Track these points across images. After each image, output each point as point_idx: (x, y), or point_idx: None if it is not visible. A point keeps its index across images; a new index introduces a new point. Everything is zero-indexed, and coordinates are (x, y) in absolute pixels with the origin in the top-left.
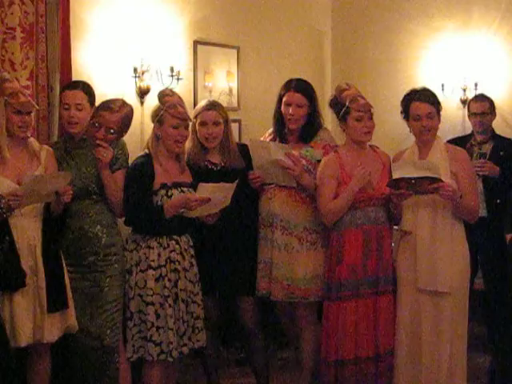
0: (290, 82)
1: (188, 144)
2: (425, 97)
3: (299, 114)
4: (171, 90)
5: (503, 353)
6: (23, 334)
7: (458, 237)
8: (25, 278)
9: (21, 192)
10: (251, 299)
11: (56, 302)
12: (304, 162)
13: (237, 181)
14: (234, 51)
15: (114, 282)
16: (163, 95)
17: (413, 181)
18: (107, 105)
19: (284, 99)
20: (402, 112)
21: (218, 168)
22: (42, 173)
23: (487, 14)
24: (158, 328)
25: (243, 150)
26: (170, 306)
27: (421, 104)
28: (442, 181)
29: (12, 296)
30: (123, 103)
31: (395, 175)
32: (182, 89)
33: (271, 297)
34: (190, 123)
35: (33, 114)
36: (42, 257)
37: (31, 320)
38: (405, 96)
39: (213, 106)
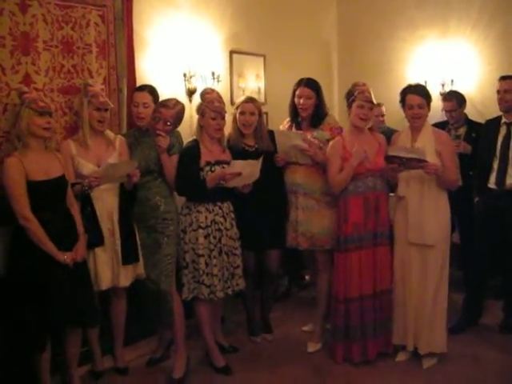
0: (301, 80)
1: (230, 131)
2: (418, 90)
3: (308, 104)
4: (211, 88)
5: (472, 289)
6: (104, 280)
7: (441, 201)
8: (102, 240)
9: (98, 175)
10: (277, 252)
11: (129, 256)
12: (316, 141)
13: (261, 158)
14: (261, 59)
15: (169, 240)
16: (204, 93)
17: (404, 159)
18: (165, 103)
19: (296, 93)
20: (400, 101)
21: (253, 150)
22: (115, 161)
23: (461, 26)
24: (207, 274)
25: (271, 135)
26: (214, 257)
27: (414, 96)
28: (426, 161)
29: (95, 251)
30: (177, 102)
31: (390, 152)
32: (221, 89)
33: (298, 247)
34: (226, 114)
35: (109, 111)
36: (118, 221)
37: (110, 270)
38: (403, 89)
39: (250, 100)
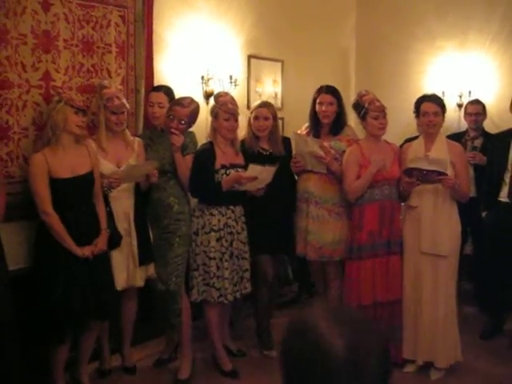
0: (321, 87)
1: (244, 134)
2: (433, 99)
3: (330, 111)
4: (225, 92)
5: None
6: (119, 281)
7: (453, 213)
8: (120, 240)
9: (120, 175)
10: (280, 257)
11: (145, 256)
12: (333, 151)
13: (277, 164)
14: (279, 64)
15: (181, 241)
16: (218, 96)
17: (424, 172)
18: (179, 101)
19: (318, 100)
20: (414, 111)
21: (267, 153)
22: (136, 161)
23: (480, 37)
24: (218, 277)
25: (285, 141)
26: (226, 260)
27: (429, 103)
28: (447, 174)
29: (111, 252)
30: (192, 100)
31: (411, 164)
32: (238, 93)
33: (307, 257)
34: (242, 118)
35: (125, 113)
36: (134, 222)
37: (125, 270)
38: (418, 98)
39: (264, 104)
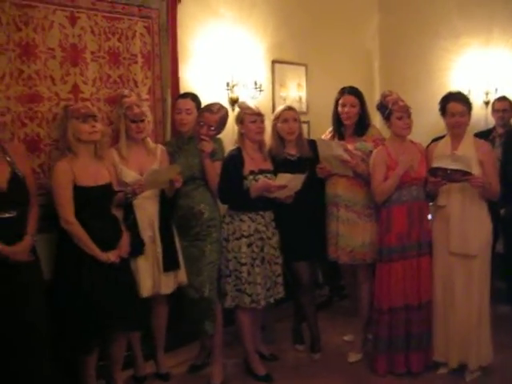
0: (344, 88)
1: (269, 141)
2: (460, 98)
3: (353, 112)
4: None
5: None
6: (145, 288)
7: (482, 211)
8: (143, 247)
9: (143, 182)
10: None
11: (170, 263)
12: (359, 153)
13: (307, 172)
14: (303, 68)
15: (213, 247)
16: (241, 103)
17: (448, 171)
18: (209, 107)
19: (340, 101)
20: (440, 109)
21: (295, 158)
22: (158, 167)
23: (505, 34)
24: (249, 283)
25: (311, 144)
26: (257, 266)
27: (456, 104)
28: (472, 174)
29: (136, 259)
30: (221, 106)
31: (435, 164)
32: (263, 98)
33: (339, 261)
34: (265, 119)
35: (146, 121)
36: (158, 229)
37: (151, 277)
38: (443, 97)
39: (291, 108)
